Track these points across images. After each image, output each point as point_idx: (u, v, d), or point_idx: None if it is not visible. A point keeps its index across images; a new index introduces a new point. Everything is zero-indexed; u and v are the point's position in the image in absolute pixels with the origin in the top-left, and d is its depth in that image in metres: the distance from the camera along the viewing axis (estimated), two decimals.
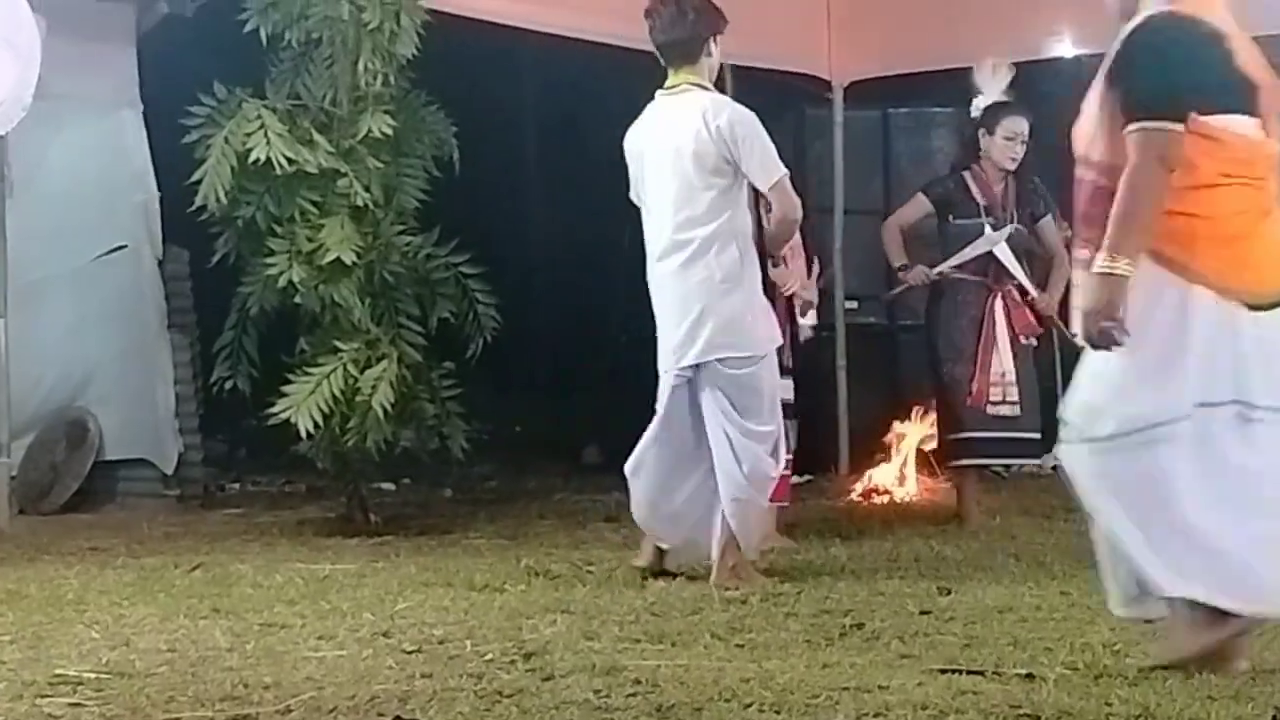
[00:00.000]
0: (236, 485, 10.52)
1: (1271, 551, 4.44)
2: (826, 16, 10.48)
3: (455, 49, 9.00)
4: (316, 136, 8.11)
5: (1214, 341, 4.42)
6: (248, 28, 8.19)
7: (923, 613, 5.77)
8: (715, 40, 6.68)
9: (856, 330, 10.67)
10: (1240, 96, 4.48)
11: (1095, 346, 4.45)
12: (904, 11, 10.18)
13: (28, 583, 6.69)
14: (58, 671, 4.99)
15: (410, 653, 5.19)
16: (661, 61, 6.72)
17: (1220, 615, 4.48)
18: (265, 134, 7.96)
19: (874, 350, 10.75)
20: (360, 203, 8.12)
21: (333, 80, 8.21)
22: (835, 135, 10.61)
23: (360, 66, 8.08)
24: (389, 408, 8.01)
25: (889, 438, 9.59)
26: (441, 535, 8.23)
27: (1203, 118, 4.43)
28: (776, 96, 10.87)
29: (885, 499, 9.33)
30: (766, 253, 6.87)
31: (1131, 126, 4.43)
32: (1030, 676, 4.68)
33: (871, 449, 9.72)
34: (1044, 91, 9.47)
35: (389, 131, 8.14)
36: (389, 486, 9.94)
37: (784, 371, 7.24)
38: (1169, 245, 4.43)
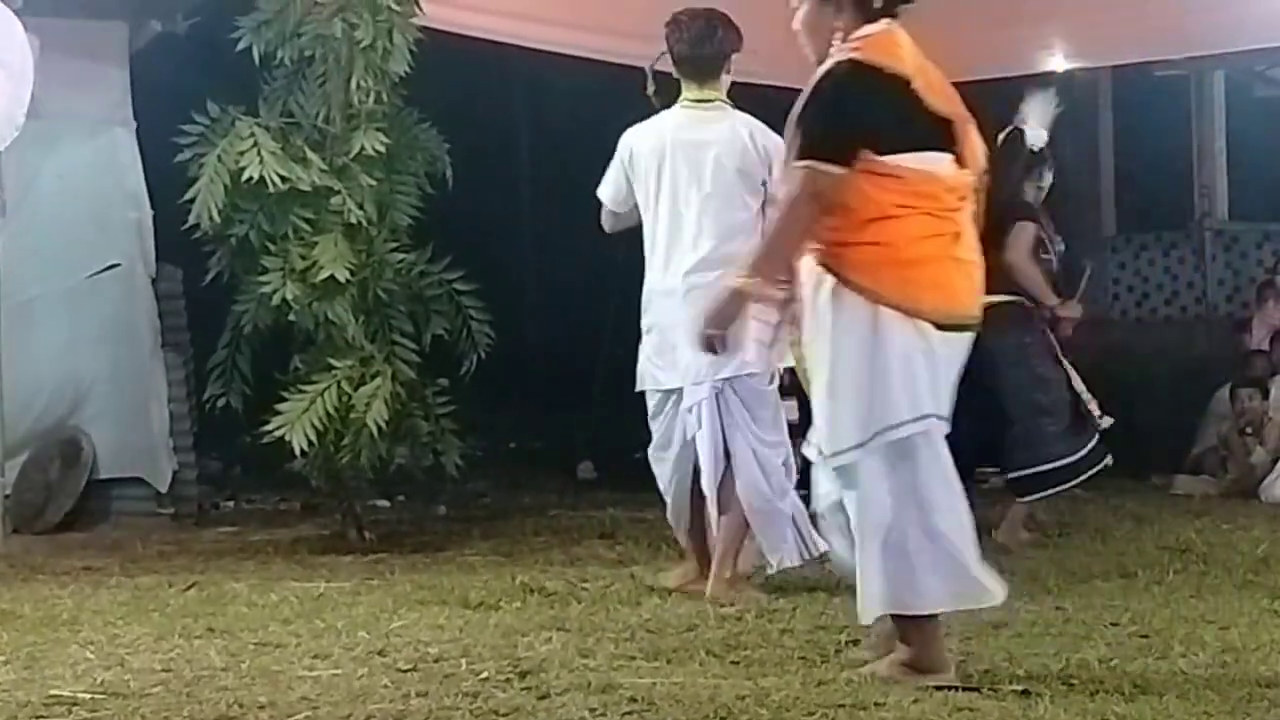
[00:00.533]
0: (231, 503, 10.50)
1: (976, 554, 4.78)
2: None
3: (448, 66, 8.99)
4: (309, 154, 8.11)
5: (909, 359, 4.68)
6: (240, 46, 8.19)
7: None
8: (731, 59, 6.74)
9: None
10: (924, 134, 4.75)
11: (705, 349, 4.90)
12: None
13: (22, 602, 6.67)
14: (52, 692, 4.99)
15: (405, 671, 5.19)
16: (677, 73, 6.73)
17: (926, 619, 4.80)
18: (258, 152, 7.96)
19: None
20: (354, 220, 8.12)
21: (326, 98, 8.21)
22: None
23: (353, 84, 8.08)
24: (383, 425, 8.00)
25: None
26: (436, 552, 8.21)
27: (880, 156, 4.70)
28: (775, 112, 10.88)
29: None
30: None
31: (796, 164, 4.73)
32: (1026, 693, 4.68)
33: None
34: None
35: (382, 149, 8.14)
36: (383, 504, 9.93)
37: (785, 392, 7.24)
38: (857, 273, 4.70)
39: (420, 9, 8.20)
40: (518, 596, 6.61)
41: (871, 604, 4.82)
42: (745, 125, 6.64)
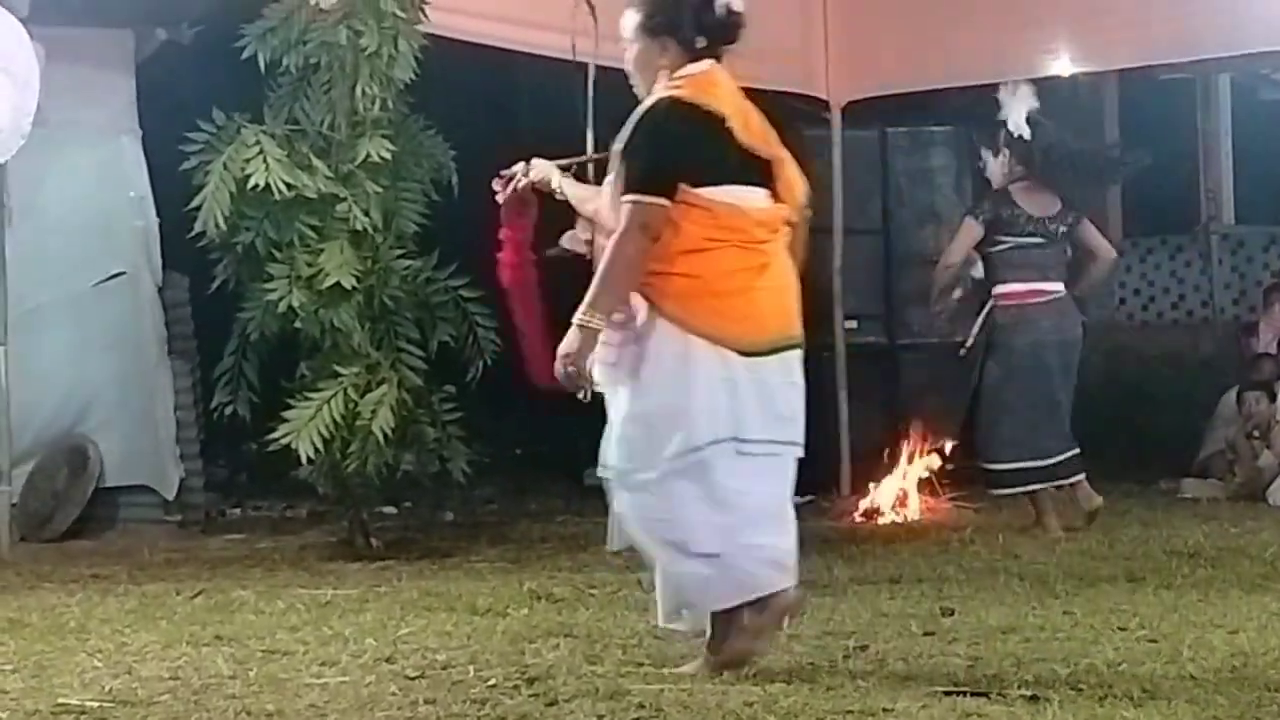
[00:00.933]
0: (238, 511, 10.50)
1: (757, 555, 5.05)
2: (824, 36, 10.49)
3: (453, 73, 8.99)
4: (315, 161, 8.11)
5: (713, 385, 4.96)
6: (245, 54, 8.19)
7: (926, 634, 5.76)
8: None
9: (856, 350, 10.65)
10: (737, 170, 5.03)
11: (566, 386, 5.02)
12: (901, 31, 10.20)
13: (29, 611, 6.67)
14: (60, 701, 4.99)
15: (413, 678, 5.19)
16: None
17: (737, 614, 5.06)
18: (264, 159, 7.96)
19: (874, 370, 10.74)
20: (359, 227, 8.12)
21: (331, 105, 8.21)
22: (833, 155, 10.61)
23: (358, 91, 8.08)
24: (389, 432, 8.00)
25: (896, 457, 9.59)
26: (443, 559, 8.21)
27: (695, 189, 4.95)
28: (774, 116, 10.88)
29: (888, 519, 9.31)
30: None
31: (623, 198, 4.95)
32: (1034, 698, 4.68)
33: (873, 469, 9.69)
34: (1044, 109, 9.51)
35: (387, 156, 8.14)
36: (390, 510, 9.93)
37: None
38: (669, 302, 4.97)
39: (425, 16, 8.20)
40: (525, 603, 6.61)
41: (667, 610, 5.21)
42: None
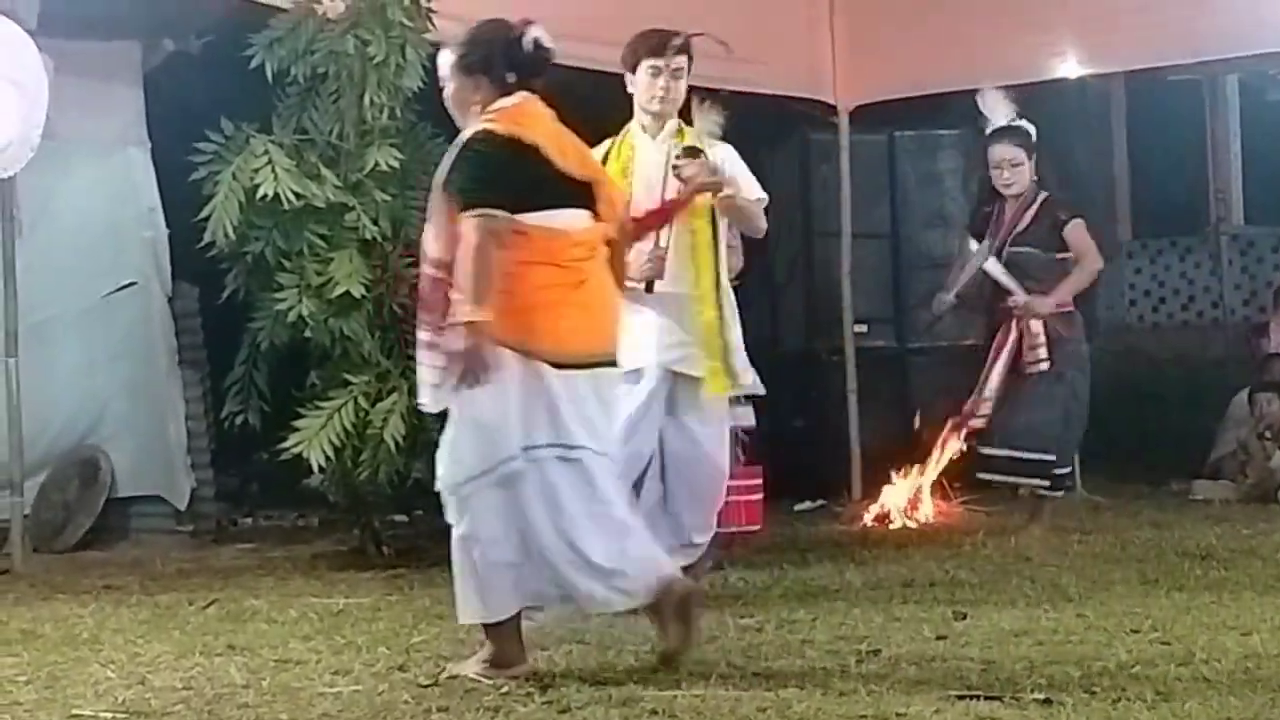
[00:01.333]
0: (249, 520, 10.51)
1: (568, 560, 5.28)
2: (831, 41, 10.50)
3: None
4: (324, 171, 8.12)
5: (528, 396, 5.23)
6: (253, 64, 8.20)
7: (939, 638, 5.76)
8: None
9: (866, 354, 10.66)
10: (554, 195, 5.32)
11: (466, 384, 5.18)
12: (909, 35, 10.20)
13: (42, 622, 6.69)
14: (74, 712, 5.00)
15: (426, 686, 5.19)
16: None
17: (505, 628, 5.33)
18: (272, 169, 7.96)
19: (884, 373, 10.74)
20: (368, 236, 8.13)
21: (339, 114, 8.22)
22: (841, 159, 10.62)
23: (366, 100, 8.08)
24: (400, 440, 8.00)
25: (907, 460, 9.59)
26: None
27: (511, 216, 5.24)
28: (782, 121, 10.90)
29: (899, 523, 9.30)
30: None
31: (466, 215, 5.21)
32: (1048, 701, 4.68)
33: (884, 472, 9.68)
34: (1049, 112, 9.52)
35: (396, 164, 8.15)
36: (402, 519, 9.90)
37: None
38: None
39: (433, 24, 8.20)
40: (537, 610, 6.59)
41: (462, 611, 5.41)
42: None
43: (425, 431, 8.22)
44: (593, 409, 5.36)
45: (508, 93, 5.42)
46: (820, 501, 10.24)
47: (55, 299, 9.41)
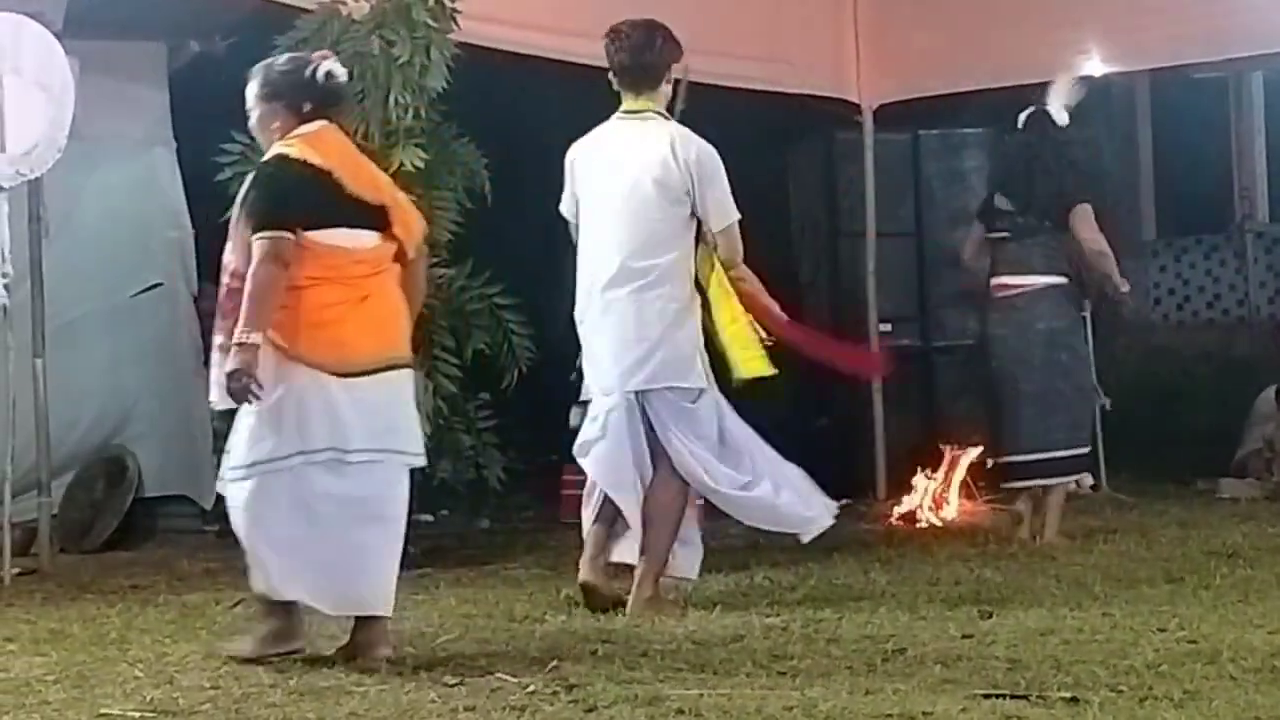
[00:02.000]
0: None
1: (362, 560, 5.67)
2: (855, 40, 10.49)
3: (486, 81, 9.00)
4: None
5: (306, 403, 5.61)
6: None
7: (965, 637, 5.75)
8: (671, 69, 6.72)
9: (891, 353, 10.64)
10: (344, 215, 5.70)
11: (236, 400, 5.57)
12: (933, 33, 10.19)
13: (70, 622, 6.71)
14: (102, 711, 5.02)
15: (452, 686, 5.20)
16: (615, 82, 6.75)
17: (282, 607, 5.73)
18: None
19: (909, 372, 10.72)
20: None
21: (364, 115, 8.21)
22: (866, 158, 10.61)
23: (391, 101, 8.09)
24: (425, 440, 7.99)
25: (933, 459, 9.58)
26: (480, 566, 8.23)
27: (303, 233, 5.63)
28: (806, 121, 10.89)
29: (925, 522, 9.30)
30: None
31: (255, 237, 5.61)
32: (1074, 700, 4.67)
33: (909, 472, 9.68)
34: (1077, 109, 9.50)
35: (421, 165, 8.15)
36: (427, 518, 9.91)
37: None
38: (274, 331, 5.60)
39: (457, 25, 8.21)
40: (563, 609, 6.62)
41: (254, 582, 5.81)
42: (669, 136, 6.61)
43: (451, 432, 8.26)
44: (380, 413, 5.69)
45: (305, 120, 5.80)
46: (845, 500, 10.20)
47: (82, 299, 9.44)
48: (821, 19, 10.46)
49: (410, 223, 5.94)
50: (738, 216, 6.64)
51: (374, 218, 5.78)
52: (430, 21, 8.10)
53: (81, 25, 8.45)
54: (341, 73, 5.92)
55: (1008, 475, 8.64)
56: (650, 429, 6.61)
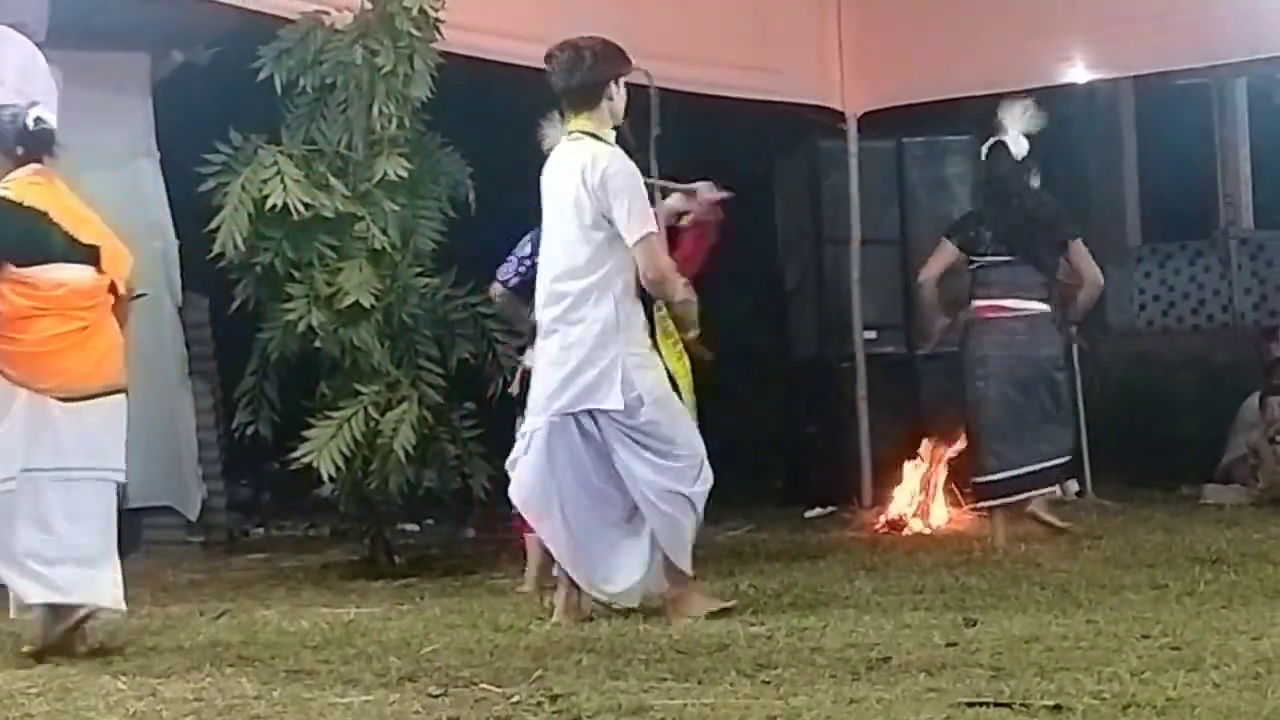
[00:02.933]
0: (260, 530, 10.53)
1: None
2: (839, 48, 10.51)
3: (469, 91, 9.01)
4: (333, 181, 8.14)
5: (32, 425, 6.16)
6: (262, 75, 8.23)
7: (949, 645, 5.75)
8: (618, 83, 6.62)
9: (876, 360, 10.66)
10: (60, 252, 6.23)
11: None
12: (916, 41, 10.21)
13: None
14: None
15: (437, 696, 5.19)
16: (563, 106, 6.71)
17: (57, 612, 6.21)
18: (282, 180, 7.99)
19: (894, 380, 10.73)
20: (378, 246, 8.15)
21: (348, 125, 8.24)
22: (850, 166, 10.62)
23: (375, 110, 8.11)
24: (410, 449, 8.02)
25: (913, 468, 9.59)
26: (465, 576, 8.23)
27: (19, 269, 6.15)
28: (790, 129, 10.91)
29: (917, 527, 9.30)
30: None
31: None
32: (1058, 708, 4.67)
33: (893, 480, 9.69)
34: (1058, 117, 9.52)
35: (404, 174, 8.17)
36: (412, 528, 9.95)
37: None
38: (2, 361, 6.15)
39: (440, 34, 8.22)
40: (547, 619, 6.61)
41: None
42: (581, 161, 6.50)
43: (436, 441, 8.26)
44: (98, 434, 6.31)
45: (23, 163, 6.29)
46: (830, 508, 10.24)
47: None
48: (805, 28, 10.48)
49: (120, 260, 6.47)
50: (653, 228, 6.53)
51: (87, 255, 6.31)
52: (414, 31, 8.12)
53: (64, 35, 8.45)
54: (51, 120, 6.43)
55: (992, 492, 8.65)
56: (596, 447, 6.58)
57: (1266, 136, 12.58)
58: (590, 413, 6.51)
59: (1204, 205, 12.83)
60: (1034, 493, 8.59)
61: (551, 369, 6.56)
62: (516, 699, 5.07)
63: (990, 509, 8.68)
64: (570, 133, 6.62)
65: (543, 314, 6.62)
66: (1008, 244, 8.60)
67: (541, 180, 6.71)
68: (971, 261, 8.69)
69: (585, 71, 6.56)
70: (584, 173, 6.46)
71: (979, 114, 9.65)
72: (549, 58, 6.68)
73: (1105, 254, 11.02)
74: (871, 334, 10.68)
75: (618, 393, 6.47)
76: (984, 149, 8.81)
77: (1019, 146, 8.63)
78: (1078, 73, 10.00)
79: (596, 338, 6.48)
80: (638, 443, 6.51)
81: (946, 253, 8.79)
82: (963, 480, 9.32)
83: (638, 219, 6.45)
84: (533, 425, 6.62)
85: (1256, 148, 12.66)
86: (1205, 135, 12.75)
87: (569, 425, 6.53)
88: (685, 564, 6.59)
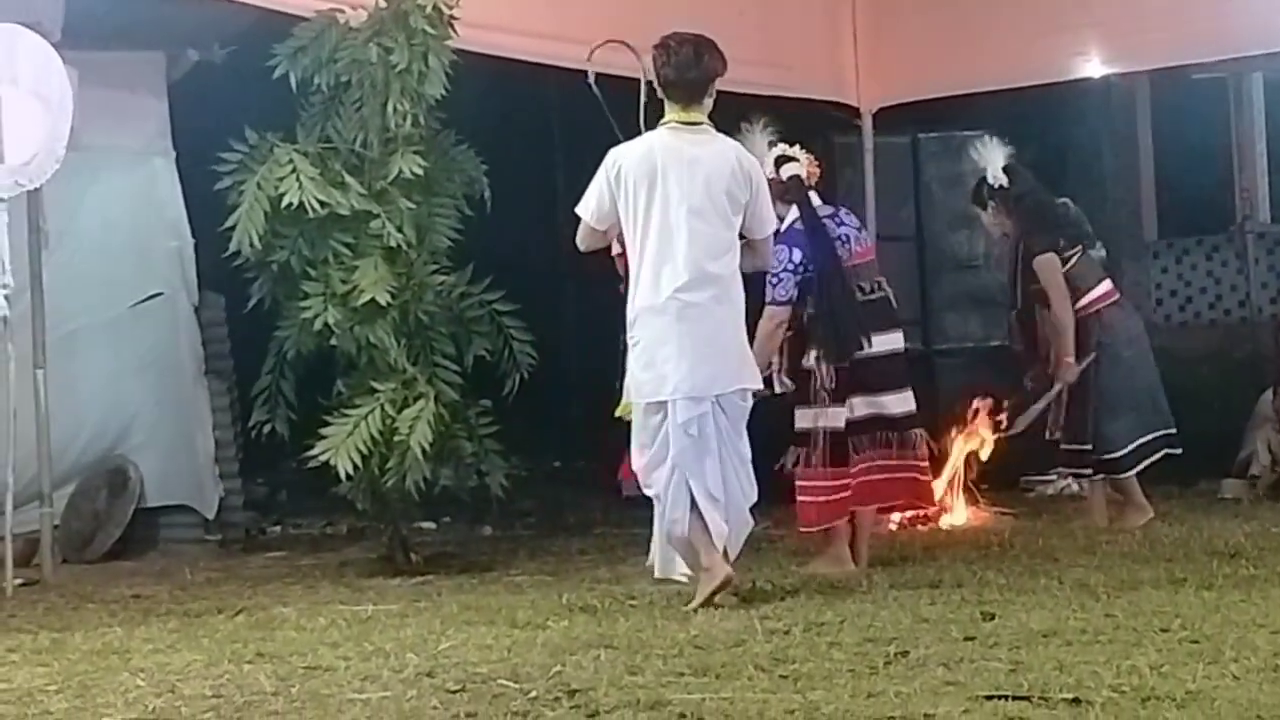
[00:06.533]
0: (277, 528, 10.54)
1: None
2: (854, 43, 10.49)
3: (484, 88, 9.01)
4: (348, 179, 8.14)
5: None
6: (277, 73, 8.23)
7: (967, 639, 5.74)
8: (715, 82, 6.89)
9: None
10: None
11: None
12: (931, 36, 10.19)
13: (72, 632, 6.72)
14: None
15: (454, 692, 5.19)
16: (663, 95, 6.89)
17: None
18: (297, 178, 7.99)
19: (911, 375, 10.69)
20: (393, 243, 8.14)
21: (363, 122, 8.23)
22: (865, 162, 10.61)
23: (389, 108, 8.10)
24: (427, 447, 8.01)
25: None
26: (483, 573, 8.23)
27: None
28: (805, 125, 10.88)
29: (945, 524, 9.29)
30: None
31: None
32: (1077, 701, 4.66)
33: None
34: (1073, 112, 9.52)
35: (420, 172, 8.16)
36: (429, 526, 9.95)
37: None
38: None
39: (455, 31, 8.22)
40: (565, 615, 6.61)
41: None
42: (732, 148, 6.92)
43: (453, 439, 8.26)
44: None
45: None
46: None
47: (82, 310, 9.45)
48: (820, 23, 10.47)
49: None
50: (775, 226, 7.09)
51: None
52: (428, 28, 8.11)
53: (79, 35, 8.46)
54: None
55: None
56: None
57: None
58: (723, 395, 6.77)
59: (1220, 200, 12.78)
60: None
61: (708, 349, 6.74)
62: (534, 694, 5.07)
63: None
64: (686, 122, 6.83)
65: (683, 295, 6.72)
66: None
67: (634, 163, 6.79)
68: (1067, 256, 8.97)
69: (704, 67, 6.82)
70: (739, 161, 6.85)
71: (995, 109, 9.65)
72: (664, 48, 6.85)
73: (1121, 249, 11.01)
74: None
75: (756, 372, 6.92)
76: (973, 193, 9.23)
77: (997, 179, 9.00)
78: (1093, 67, 9.98)
79: (738, 319, 6.84)
80: (734, 429, 6.81)
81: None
82: (980, 476, 9.31)
83: (771, 217, 7.02)
84: (700, 409, 6.72)
85: (1273, 142, 12.61)
86: (1221, 129, 12.71)
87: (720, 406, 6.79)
88: (736, 548, 6.91)
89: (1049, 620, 6.03)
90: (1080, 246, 8.99)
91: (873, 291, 7.93)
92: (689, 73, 6.80)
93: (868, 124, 10.57)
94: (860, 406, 7.66)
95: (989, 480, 9.51)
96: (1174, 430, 9.11)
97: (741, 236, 6.89)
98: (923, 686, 4.95)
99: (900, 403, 7.82)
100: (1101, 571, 7.22)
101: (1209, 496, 10.14)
